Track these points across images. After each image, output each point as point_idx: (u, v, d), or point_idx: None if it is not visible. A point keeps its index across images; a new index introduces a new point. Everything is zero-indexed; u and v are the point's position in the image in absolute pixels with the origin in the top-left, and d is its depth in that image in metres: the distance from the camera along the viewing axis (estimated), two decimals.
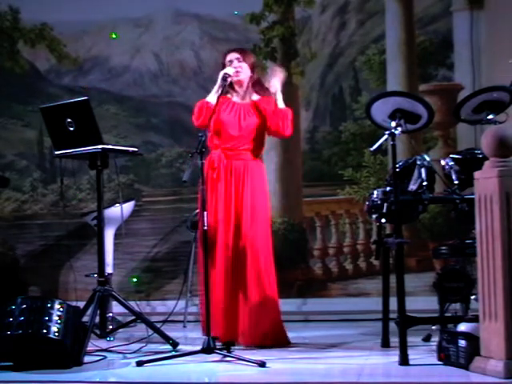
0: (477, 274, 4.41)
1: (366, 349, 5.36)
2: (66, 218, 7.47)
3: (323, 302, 7.19)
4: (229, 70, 5.60)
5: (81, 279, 6.59)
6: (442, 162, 5.36)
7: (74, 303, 5.20)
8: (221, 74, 5.57)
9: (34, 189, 7.87)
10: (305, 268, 7.35)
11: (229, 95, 5.71)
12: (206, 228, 5.04)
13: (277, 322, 5.56)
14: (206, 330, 4.93)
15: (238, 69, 5.65)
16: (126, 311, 5.62)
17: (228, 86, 5.65)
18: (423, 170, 5.20)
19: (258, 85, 5.73)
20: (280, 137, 5.90)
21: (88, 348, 5.05)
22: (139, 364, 4.85)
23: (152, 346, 5.40)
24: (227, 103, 5.68)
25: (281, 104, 5.68)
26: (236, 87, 5.73)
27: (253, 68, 5.74)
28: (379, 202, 5.31)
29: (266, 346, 5.41)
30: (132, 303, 5.60)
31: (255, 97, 5.72)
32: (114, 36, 7.68)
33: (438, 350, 4.67)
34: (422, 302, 6.17)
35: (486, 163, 4.37)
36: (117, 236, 6.67)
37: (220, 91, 5.48)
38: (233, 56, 5.70)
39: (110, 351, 5.35)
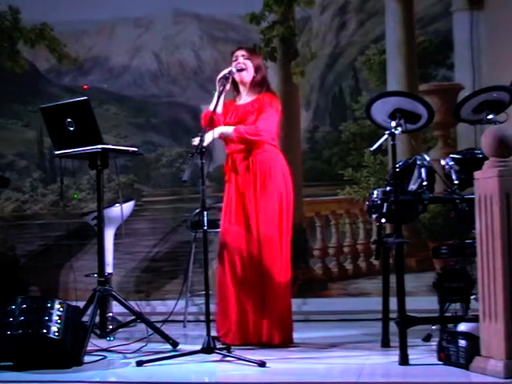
0: (477, 274, 4.41)
1: (365, 349, 5.36)
2: (66, 218, 7.47)
3: (323, 302, 7.19)
4: (231, 68, 5.60)
5: (81, 279, 6.59)
6: (442, 162, 5.36)
7: (74, 303, 5.21)
8: (220, 74, 5.56)
9: (34, 189, 7.88)
10: (305, 268, 7.35)
11: (236, 98, 5.71)
12: (205, 228, 5.04)
13: (288, 322, 5.57)
14: (206, 330, 4.94)
15: (242, 65, 5.64)
16: (126, 311, 5.63)
17: (233, 89, 5.66)
18: (423, 170, 5.21)
19: (259, 86, 5.71)
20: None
21: (88, 348, 5.05)
22: (139, 364, 4.86)
23: (152, 346, 5.40)
24: (231, 107, 5.68)
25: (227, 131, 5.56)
26: (241, 88, 5.73)
27: (258, 68, 5.71)
28: (379, 202, 5.31)
29: (273, 345, 5.44)
30: (132, 303, 5.60)
31: (253, 97, 5.72)
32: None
33: (438, 349, 4.67)
34: (422, 302, 6.17)
35: (486, 163, 4.37)
36: (117, 236, 6.67)
37: (222, 91, 5.47)
38: (239, 53, 5.70)
39: (110, 351, 5.35)
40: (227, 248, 5.53)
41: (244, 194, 5.57)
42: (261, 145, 5.59)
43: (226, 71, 5.58)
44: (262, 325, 5.47)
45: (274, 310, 5.48)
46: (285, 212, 5.59)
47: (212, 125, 5.41)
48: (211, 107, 5.47)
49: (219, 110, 5.52)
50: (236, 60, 5.68)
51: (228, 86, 5.59)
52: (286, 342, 5.50)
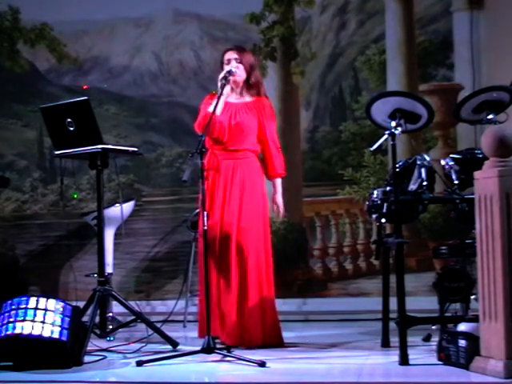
0: (477, 274, 4.41)
1: (365, 349, 5.36)
2: (66, 218, 7.47)
3: (323, 302, 7.19)
4: (229, 68, 5.59)
5: (81, 279, 6.59)
6: (442, 162, 5.36)
7: (74, 303, 5.20)
8: (221, 74, 5.55)
9: (34, 189, 7.88)
10: (305, 268, 7.35)
11: (229, 96, 5.69)
12: (205, 228, 5.04)
13: (274, 322, 5.55)
14: (206, 330, 4.93)
15: (236, 69, 5.63)
16: (126, 311, 5.63)
17: (231, 88, 5.66)
18: (423, 170, 5.21)
19: (254, 86, 5.69)
20: None
21: (88, 348, 5.05)
22: (139, 364, 4.86)
23: (152, 346, 5.40)
24: (227, 107, 5.65)
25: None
26: (233, 87, 5.72)
27: (251, 68, 5.70)
28: (379, 202, 5.31)
29: (262, 346, 5.42)
30: (132, 303, 5.60)
31: (248, 98, 5.71)
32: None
33: (438, 349, 4.67)
34: (422, 302, 6.17)
35: (486, 163, 4.37)
36: (117, 236, 6.67)
37: (222, 91, 5.46)
38: (231, 56, 5.68)
39: (110, 351, 5.35)
40: (212, 245, 5.52)
41: (223, 194, 5.55)
42: (246, 150, 5.63)
43: (225, 71, 5.56)
44: (249, 327, 5.45)
45: (258, 310, 5.46)
46: (261, 216, 5.61)
47: (209, 127, 5.37)
48: (212, 109, 5.46)
49: (219, 111, 5.50)
50: (229, 63, 5.66)
51: (228, 89, 5.56)
52: (276, 343, 5.49)
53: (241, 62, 5.66)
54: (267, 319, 5.49)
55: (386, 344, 5.38)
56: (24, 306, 4.88)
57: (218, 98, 5.42)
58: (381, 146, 5.12)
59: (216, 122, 5.48)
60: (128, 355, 5.23)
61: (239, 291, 5.47)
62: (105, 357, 5.14)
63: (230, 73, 5.56)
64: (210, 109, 5.44)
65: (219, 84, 5.49)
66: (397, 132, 4.97)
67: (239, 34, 7.61)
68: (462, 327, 4.61)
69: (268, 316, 5.50)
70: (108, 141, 5.77)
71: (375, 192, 5.40)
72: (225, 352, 5.00)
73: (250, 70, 5.68)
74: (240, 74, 5.65)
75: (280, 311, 5.70)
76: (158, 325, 5.49)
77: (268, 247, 5.62)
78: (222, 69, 5.62)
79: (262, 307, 5.48)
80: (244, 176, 5.58)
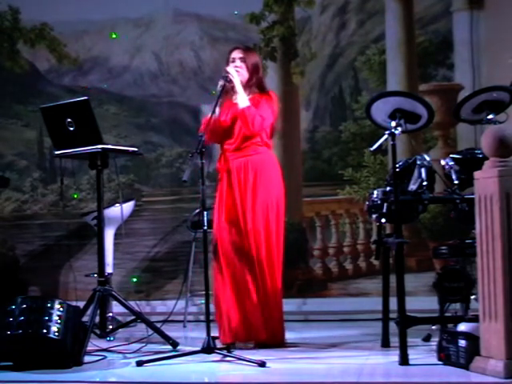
0: (477, 274, 4.41)
1: (365, 349, 5.36)
2: (66, 218, 7.47)
3: (323, 302, 7.19)
4: (229, 69, 5.58)
5: (81, 279, 6.59)
6: (442, 162, 5.36)
7: (74, 303, 5.21)
8: (223, 73, 5.55)
9: (34, 189, 7.88)
10: (305, 268, 7.35)
11: (233, 97, 5.69)
12: (205, 228, 5.05)
13: (279, 321, 5.56)
14: (206, 330, 4.93)
15: (238, 69, 5.64)
16: (126, 311, 5.63)
17: (231, 88, 5.64)
18: (423, 170, 5.21)
19: (257, 85, 5.71)
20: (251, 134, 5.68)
21: (88, 348, 5.05)
22: (139, 364, 4.86)
23: (152, 346, 5.40)
24: (228, 106, 5.66)
25: (241, 102, 5.53)
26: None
27: (255, 68, 5.69)
28: (379, 202, 5.31)
29: (264, 344, 5.42)
30: (132, 303, 5.60)
31: (249, 96, 5.71)
32: (114, 36, 7.69)
33: (438, 349, 4.67)
34: (422, 302, 6.17)
35: (486, 163, 4.37)
36: (117, 236, 6.67)
37: (221, 91, 5.46)
38: (236, 55, 5.68)
39: (110, 351, 5.35)
40: (221, 246, 5.52)
41: (237, 194, 5.55)
42: (254, 144, 5.59)
43: (230, 70, 5.56)
44: (253, 323, 5.46)
45: (264, 309, 5.47)
46: (274, 213, 5.61)
47: (209, 128, 5.37)
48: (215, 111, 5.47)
49: (217, 112, 5.51)
50: (233, 62, 5.66)
51: (228, 79, 5.55)
52: (277, 342, 5.49)
53: (244, 62, 5.65)
54: (273, 317, 5.50)
55: (385, 344, 5.37)
56: (24, 306, 4.88)
57: (218, 99, 5.42)
58: (381, 145, 5.12)
59: (213, 121, 5.49)
60: (128, 355, 5.23)
61: (245, 289, 5.48)
62: (105, 357, 5.14)
63: (227, 72, 5.53)
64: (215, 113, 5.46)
65: (219, 85, 5.48)
66: (397, 132, 4.97)
67: (239, 33, 7.61)
68: (462, 327, 4.61)
69: (274, 314, 5.51)
70: (108, 141, 5.77)
71: (375, 192, 5.40)
72: (225, 352, 5.00)
73: (252, 70, 5.67)
74: (242, 73, 5.64)
75: None
76: (158, 325, 5.49)
77: (279, 245, 5.62)
78: (228, 65, 5.62)
79: (268, 305, 5.49)
80: (257, 174, 5.55)
